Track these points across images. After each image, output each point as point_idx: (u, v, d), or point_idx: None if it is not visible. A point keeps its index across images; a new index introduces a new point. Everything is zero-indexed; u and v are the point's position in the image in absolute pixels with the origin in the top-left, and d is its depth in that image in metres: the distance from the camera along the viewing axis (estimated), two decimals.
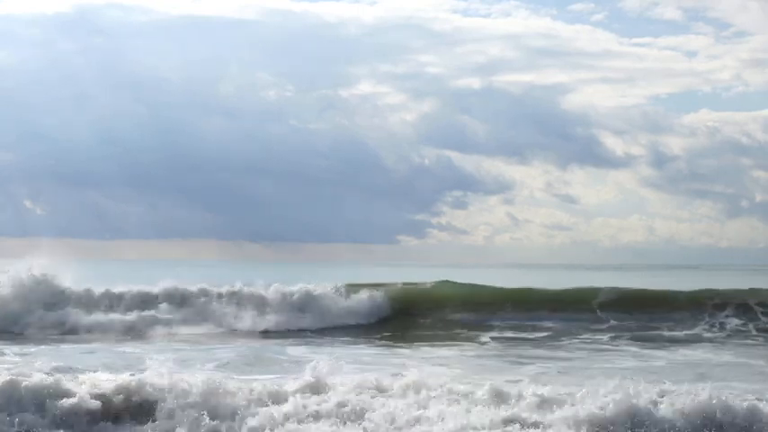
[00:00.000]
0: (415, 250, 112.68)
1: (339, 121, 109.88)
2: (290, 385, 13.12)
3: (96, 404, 12.42)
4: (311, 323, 26.29)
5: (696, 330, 25.33)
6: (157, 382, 12.78)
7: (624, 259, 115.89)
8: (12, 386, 12.60)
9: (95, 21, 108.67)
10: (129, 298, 27.49)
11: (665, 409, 11.76)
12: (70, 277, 27.77)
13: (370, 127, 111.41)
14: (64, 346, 21.69)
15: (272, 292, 27.50)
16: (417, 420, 11.92)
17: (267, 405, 12.48)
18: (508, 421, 11.75)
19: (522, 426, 11.63)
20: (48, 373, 13.25)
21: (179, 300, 27.29)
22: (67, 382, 12.86)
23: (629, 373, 14.18)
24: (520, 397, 12.39)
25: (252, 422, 12.08)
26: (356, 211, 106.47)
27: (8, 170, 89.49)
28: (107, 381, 13.01)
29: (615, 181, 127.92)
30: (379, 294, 27.91)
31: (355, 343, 22.94)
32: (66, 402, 12.38)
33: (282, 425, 11.98)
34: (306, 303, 27.17)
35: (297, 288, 27.53)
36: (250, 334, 25.04)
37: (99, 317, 26.11)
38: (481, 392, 12.59)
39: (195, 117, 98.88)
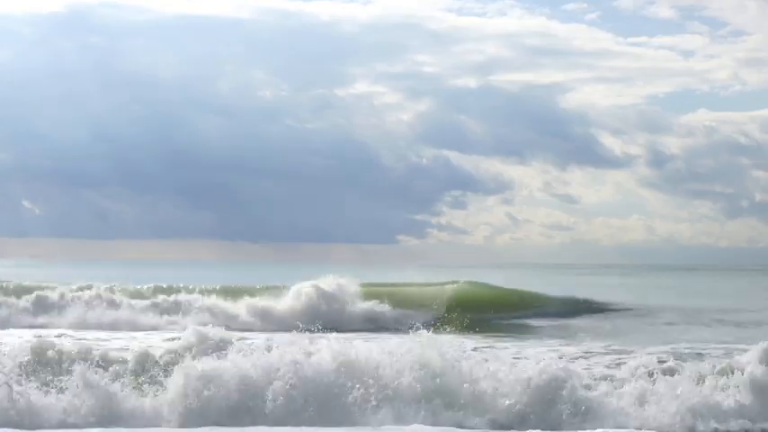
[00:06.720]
0: (415, 250, 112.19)
1: (336, 120, 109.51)
2: None
3: None
4: None
5: None
6: None
7: (624, 259, 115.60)
8: None
9: (91, 20, 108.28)
10: None
11: None
12: None
13: (367, 126, 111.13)
14: None
15: None
16: None
17: None
18: None
19: None
20: None
21: None
22: None
23: None
24: None
25: None
26: (355, 211, 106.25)
27: (6, 170, 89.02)
28: None
29: (614, 181, 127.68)
30: None
31: None
32: None
33: None
34: None
35: None
36: None
37: None
38: None
39: (192, 116, 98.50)
